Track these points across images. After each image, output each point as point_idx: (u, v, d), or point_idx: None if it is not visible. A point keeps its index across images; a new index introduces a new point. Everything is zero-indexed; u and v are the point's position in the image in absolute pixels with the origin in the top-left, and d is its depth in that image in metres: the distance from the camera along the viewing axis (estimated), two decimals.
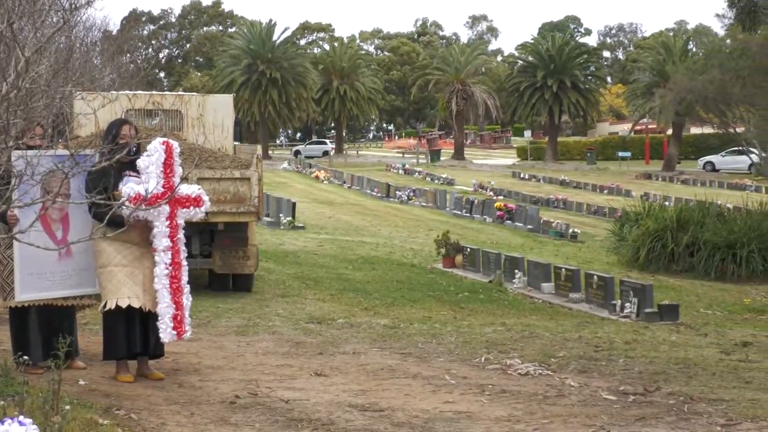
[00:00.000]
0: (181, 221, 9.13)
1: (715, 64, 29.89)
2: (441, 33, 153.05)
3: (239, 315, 14.08)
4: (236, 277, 16.55)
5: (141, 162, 8.95)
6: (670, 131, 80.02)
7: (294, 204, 33.28)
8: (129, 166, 9.02)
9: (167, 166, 8.97)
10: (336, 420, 7.98)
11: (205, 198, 9.34)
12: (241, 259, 15.99)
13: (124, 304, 8.96)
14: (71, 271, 9.23)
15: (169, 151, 8.99)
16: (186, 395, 8.72)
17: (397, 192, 48.87)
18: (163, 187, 8.89)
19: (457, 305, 16.83)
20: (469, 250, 23.02)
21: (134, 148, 9.00)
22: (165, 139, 9.21)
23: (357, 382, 9.66)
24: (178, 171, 9.09)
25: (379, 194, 49.89)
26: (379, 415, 8.20)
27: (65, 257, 9.14)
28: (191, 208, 9.17)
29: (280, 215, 31.84)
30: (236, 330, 12.83)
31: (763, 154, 31.38)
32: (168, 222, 8.99)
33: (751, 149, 33.96)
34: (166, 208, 8.94)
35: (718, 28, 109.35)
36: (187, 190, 9.24)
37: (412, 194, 48.13)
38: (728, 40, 33.68)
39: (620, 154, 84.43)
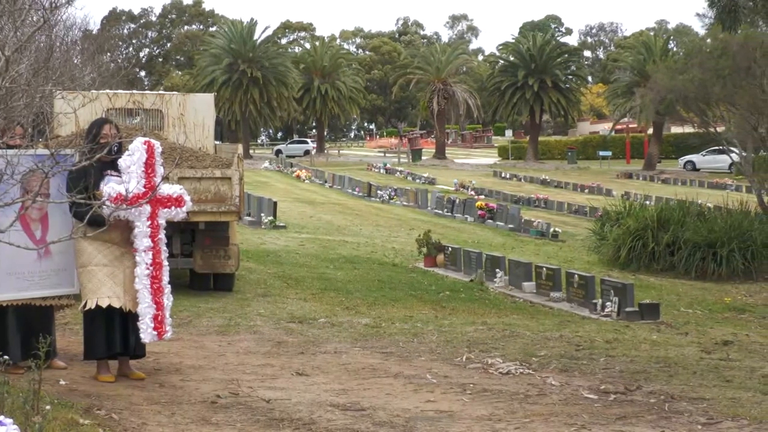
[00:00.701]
0: (162, 221, 9.10)
1: (695, 64, 30.01)
2: (422, 32, 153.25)
3: (220, 314, 14.06)
4: (217, 276, 16.49)
5: (122, 161, 8.92)
6: (650, 130, 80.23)
7: (275, 203, 33.21)
8: (110, 165, 8.99)
9: (148, 165, 8.94)
10: (317, 419, 7.98)
11: (187, 198, 9.31)
12: (222, 259, 15.95)
13: (104, 304, 8.93)
14: (50, 271, 9.19)
15: (150, 150, 8.96)
16: (167, 395, 8.70)
17: (379, 191, 48.84)
18: (145, 186, 8.86)
19: (439, 304, 16.84)
20: (450, 249, 23.04)
21: (115, 148, 8.96)
22: (146, 138, 9.17)
23: (338, 381, 9.66)
24: (160, 171, 9.06)
25: (360, 193, 49.87)
26: (360, 415, 8.21)
27: (44, 257, 9.10)
28: (172, 208, 9.15)
29: (261, 214, 31.78)
30: (217, 329, 12.81)
31: (744, 154, 31.46)
32: (149, 222, 8.97)
33: (732, 148, 34.05)
34: (148, 208, 8.92)
35: (699, 28, 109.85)
36: (168, 189, 9.21)
37: (393, 193, 48.12)
38: (709, 40, 33.79)
39: (601, 153, 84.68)
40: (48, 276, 9.18)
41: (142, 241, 8.94)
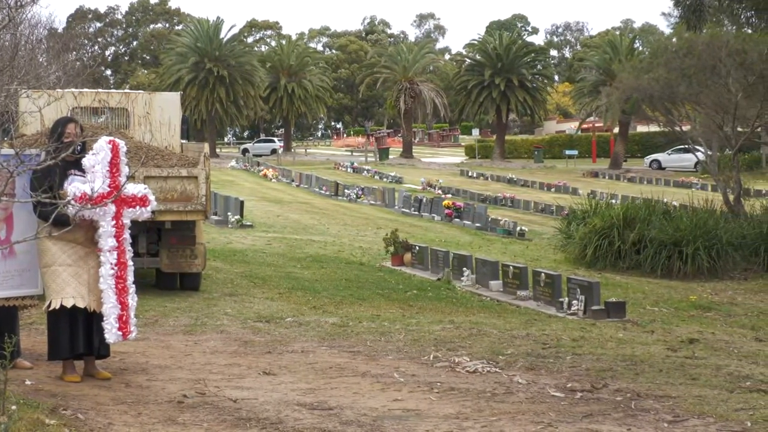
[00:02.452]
0: (127, 221, 9.05)
1: (661, 63, 30.08)
2: (389, 31, 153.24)
3: (187, 314, 14.01)
4: (184, 276, 16.44)
5: (86, 161, 8.86)
6: (616, 129, 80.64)
7: (242, 202, 33.15)
8: (74, 164, 8.94)
9: (113, 165, 8.89)
10: (284, 419, 7.96)
11: (152, 197, 9.26)
12: (189, 258, 15.89)
13: (68, 304, 8.88)
14: (14, 272, 9.13)
15: (115, 150, 8.91)
16: (133, 395, 8.66)
17: (346, 190, 48.84)
18: (109, 186, 8.82)
19: (406, 303, 16.84)
20: (417, 248, 23.04)
21: (79, 147, 8.92)
22: (111, 138, 9.11)
23: (305, 380, 9.65)
24: (125, 170, 9.01)
25: (327, 192, 49.85)
26: (327, 414, 8.20)
27: (8, 257, 9.05)
28: (137, 207, 9.10)
29: (228, 214, 31.71)
30: (184, 329, 12.76)
31: (709, 152, 31.65)
32: (114, 222, 8.92)
33: (697, 147, 34.22)
34: (112, 208, 8.87)
35: (665, 27, 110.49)
36: (133, 189, 9.17)
37: (360, 192, 48.13)
38: (674, 39, 33.88)
39: (567, 152, 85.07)
40: (12, 276, 9.12)
41: (107, 241, 8.89)
